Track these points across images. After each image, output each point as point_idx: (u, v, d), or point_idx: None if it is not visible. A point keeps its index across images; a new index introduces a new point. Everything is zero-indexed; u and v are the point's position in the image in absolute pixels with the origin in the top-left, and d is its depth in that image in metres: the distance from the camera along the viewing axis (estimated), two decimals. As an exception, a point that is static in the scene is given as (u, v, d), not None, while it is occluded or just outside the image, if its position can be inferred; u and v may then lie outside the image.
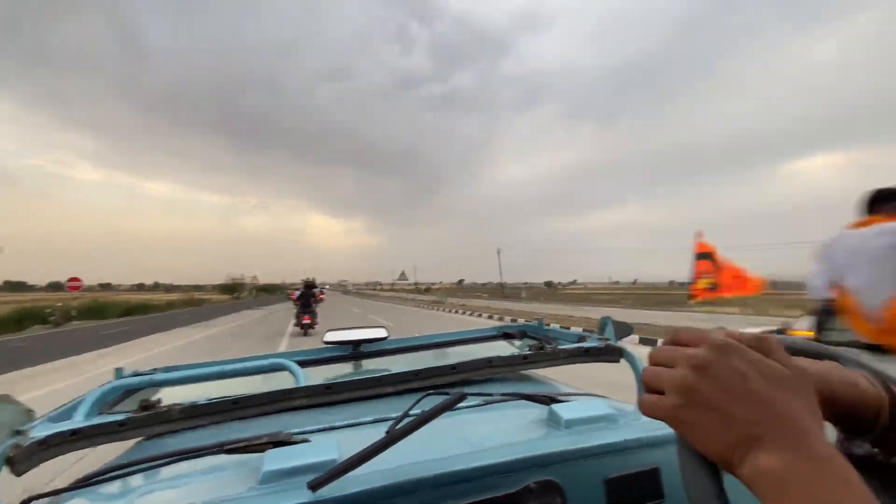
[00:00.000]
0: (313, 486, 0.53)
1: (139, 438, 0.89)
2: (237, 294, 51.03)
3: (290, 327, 13.92)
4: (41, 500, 0.63)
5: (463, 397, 0.63)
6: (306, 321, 12.34)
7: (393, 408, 0.86)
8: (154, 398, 0.94)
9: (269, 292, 78.37)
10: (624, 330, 1.21)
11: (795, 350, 0.35)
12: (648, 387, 0.31)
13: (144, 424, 0.83)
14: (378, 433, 0.58)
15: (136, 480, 0.69)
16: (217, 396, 0.91)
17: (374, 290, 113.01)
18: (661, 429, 0.68)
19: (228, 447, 0.66)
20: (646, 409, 0.30)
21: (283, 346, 10.42)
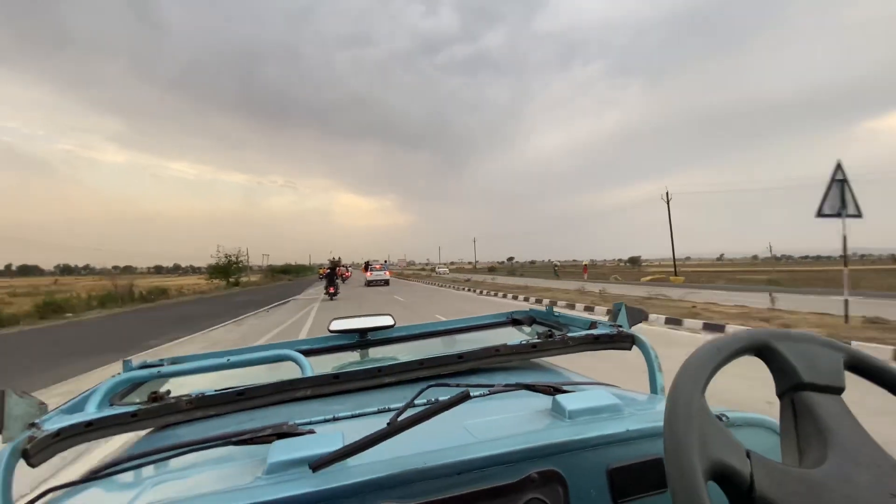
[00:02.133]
0: (315, 467, 0.55)
1: (149, 430, 0.91)
2: (235, 278, 35.63)
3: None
4: (61, 490, 0.64)
5: (467, 396, 0.62)
6: (332, 291, 18.51)
7: (398, 397, 0.87)
8: (162, 389, 0.96)
9: (288, 274, 61.24)
10: (637, 316, 1.17)
11: None
12: None
13: (155, 415, 0.86)
14: (382, 423, 0.59)
15: (150, 470, 0.71)
16: (223, 387, 0.92)
17: (429, 271, 73.50)
18: None
19: (236, 438, 0.67)
20: None
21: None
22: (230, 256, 35.90)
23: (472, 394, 0.67)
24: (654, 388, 0.98)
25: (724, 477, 0.38)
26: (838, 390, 0.45)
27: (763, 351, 0.46)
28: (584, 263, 35.62)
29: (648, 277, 29.28)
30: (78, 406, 0.90)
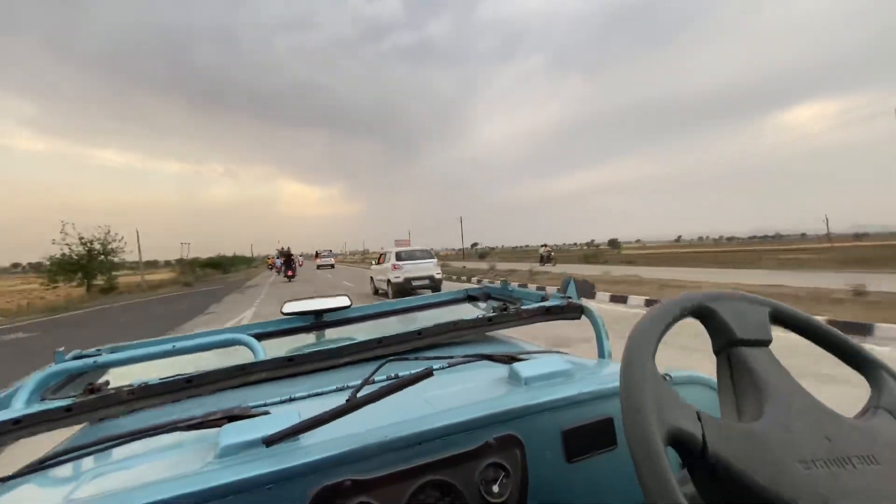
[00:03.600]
0: (268, 442, 0.54)
1: (85, 424, 0.85)
2: (106, 279, 22.15)
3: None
4: None
5: (429, 373, 0.64)
6: (290, 274, 21.45)
7: (357, 376, 0.85)
8: (101, 380, 0.89)
9: (219, 268, 35.62)
10: (586, 289, 1.23)
11: None
12: None
13: (92, 408, 0.79)
14: (341, 401, 0.59)
15: (88, 463, 0.67)
16: (170, 375, 0.87)
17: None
18: (615, 381, 0.68)
19: (183, 424, 0.64)
20: None
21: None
22: (88, 243, 21.50)
23: (433, 367, 0.69)
24: (601, 354, 1.03)
25: (679, 441, 0.39)
26: (766, 342, 0.49)
27: (701, 312, 0.49)
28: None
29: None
30: (4, 402, 0.84)
